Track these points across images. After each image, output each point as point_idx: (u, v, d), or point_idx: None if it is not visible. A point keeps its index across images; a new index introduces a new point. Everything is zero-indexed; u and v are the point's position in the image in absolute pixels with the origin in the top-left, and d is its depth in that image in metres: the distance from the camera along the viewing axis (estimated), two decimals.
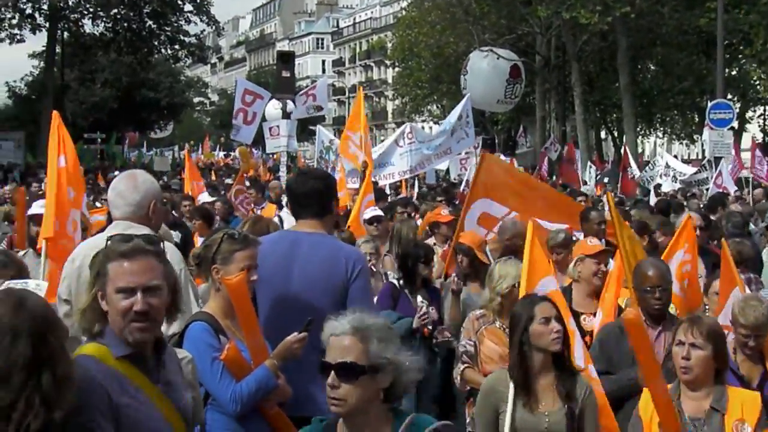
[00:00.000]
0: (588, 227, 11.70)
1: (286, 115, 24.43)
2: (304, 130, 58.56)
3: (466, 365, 8.04)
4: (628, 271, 7.98)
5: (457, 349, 8.39)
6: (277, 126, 24.00)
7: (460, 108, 21.71)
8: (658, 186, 28.01)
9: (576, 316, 8.13)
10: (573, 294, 8.68)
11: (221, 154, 68.78)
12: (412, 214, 15.66)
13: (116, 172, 35.42)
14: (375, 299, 9.35)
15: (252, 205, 19.02)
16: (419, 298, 9.54)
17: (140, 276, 4.11)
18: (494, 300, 8.04)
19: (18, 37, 51.75)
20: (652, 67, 54.32)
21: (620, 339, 7.05)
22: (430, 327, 9.39)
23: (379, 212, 12.43)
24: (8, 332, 3.61)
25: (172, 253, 6.20)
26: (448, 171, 33.76)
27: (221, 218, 16.25)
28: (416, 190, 23.21)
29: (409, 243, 11.04)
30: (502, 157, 33.37)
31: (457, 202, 20.39)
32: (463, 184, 25.36)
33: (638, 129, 54.19)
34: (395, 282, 9.92)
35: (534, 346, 6.16)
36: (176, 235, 10.28)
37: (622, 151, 33.54)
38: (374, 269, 10.36)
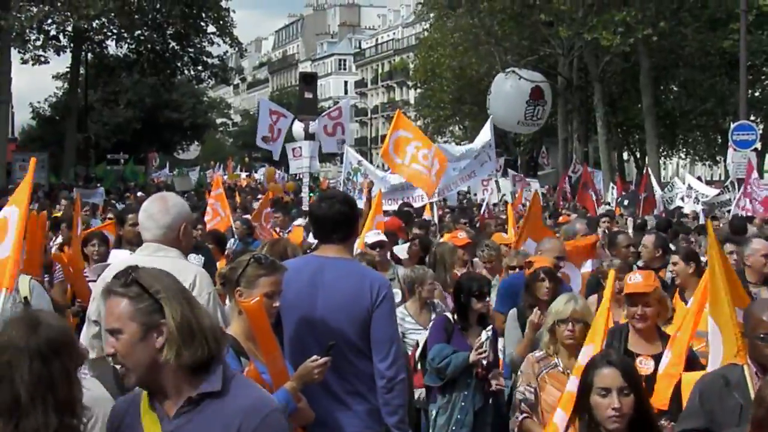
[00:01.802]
0: (617, 253, 11.46)
1: (308, 136, 24.54)
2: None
3: (525, 415, 7.27)
4: (729, 315, 6.64)
5: (515, 396, 7.62)
6: (300, 147, 24.12)
7: (487, 132, 21.59)
8: (679, 207, 27.94)
9: (631, 357, 7.27)
10: (630, 333, 7.74)
11: (244, 174, 68.88)
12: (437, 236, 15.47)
13: (140, 193, 35.73)
14: (427, 332, 9.39)
15: (278, 228, 18.90)
16: (484, 333, 8.82)
17: (107, 317, 3.92)
18: (547, 339, 7.53)
19: (42, 58, 51.98)
20: (675, 88, 54.21)
21: (725, 393, 6.02)
22: (484, 367, 8.80)
23: (383, 237, 11.67)
24: (18, 353, 3.67)
25: (201, 276, 6.26)
26: (468, 191, 33.71)
27: (239, 238, 16.20)
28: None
29: (463, 274, 10.34)
30: (527, 178, 33.44)
31: (477, 225, 20.44)
32: (484, 206, 25.41)
33: (661, 150, 54.05)
34: (449, 315, 9.33)
35: (595, 419, 5.28)
36: (198, 258, 10.29)
37: (644, 172, 33.43)
38: None
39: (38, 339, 3.70)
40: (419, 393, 9.46)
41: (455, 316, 9.20)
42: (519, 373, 7.84)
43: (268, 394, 3.93)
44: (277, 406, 3.94)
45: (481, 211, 24.71)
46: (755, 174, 24.28)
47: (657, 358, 7.40)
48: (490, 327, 8.99)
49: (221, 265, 8.39)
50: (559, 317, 7.39)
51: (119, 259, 7.50)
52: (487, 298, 9.28)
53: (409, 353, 9.58)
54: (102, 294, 4.02)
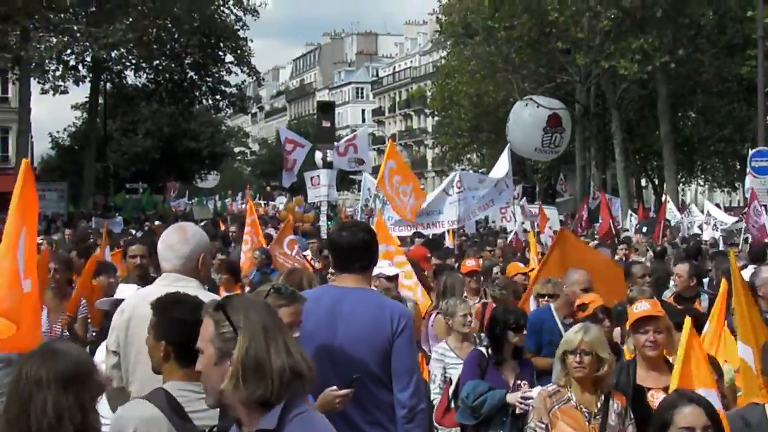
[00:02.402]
0: (633, 283, 11.15)
1: (326, 164, 24.61)
2: (344, 179, 58.71)
3: None
4: (755, 350, 6.59)
5: None
6: (318, 176, 24.20)
7: (505, 161, 21.67)
8: (698, 234, 27.93)
9: (641, 393, 7.25)
10: (637, 367, 7.45)
11: (262, 203, 69.03)
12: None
13: (157, 222, 35.83)
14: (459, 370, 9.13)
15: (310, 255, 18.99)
16: (523, 383, 8.48)
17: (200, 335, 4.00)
18: (558, 368, 7.32)
19: (62, 88, 52.28)
20: (693, 115, 54.18)
21: None
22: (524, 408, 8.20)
23: (396, 270, 11.46)
24: (33, 384, 3.69)
25: None
26: (486, 219, 33.74)
27: (258, 268, 16.15)
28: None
29: (498, 306, 9.98)
30: (544, 206, 33.36)
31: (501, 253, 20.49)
32: (511, 235, 25.43)
33: (679, 177, 53.99)
34: (483, 350, 8.90)
35: None
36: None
37: (663, 199, 33.38)
38: None
39: (54, 370, 3.72)
40: None
41: (489, 351, 8.80)
42: (531, 408, 7.65)
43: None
44: None
45: (508, 239, 24.78)
46: (756, 202, 24.26)
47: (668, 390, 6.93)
48: (521, 365, 8.77)
49: None
50: (568, 347, 7.13)
51: (129, 292, 7.50)
52: (524, 332, 8.79)
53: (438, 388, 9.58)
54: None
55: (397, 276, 11.42)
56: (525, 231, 26.53)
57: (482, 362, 8.71)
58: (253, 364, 3.79)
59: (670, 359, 7.34)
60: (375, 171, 23.12)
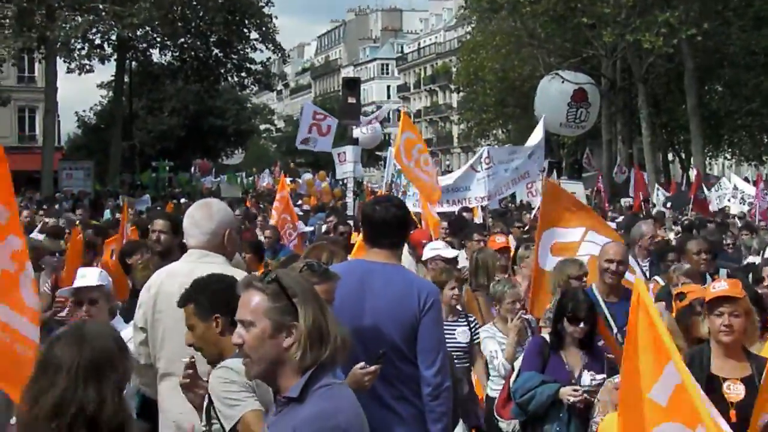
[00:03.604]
0: (687, 260, 10.75)
1: (352, 140, 24.61)
2: (370, 156, 58.67)
3: None
4: None
5: (590, 427, 7.33)
6: (344, 152, 24.17)
7: (539, 132, 21.35)
8: (726, 208, 27.79)
9: (716, 382, 6.51)
10: (712, 355, 6.68)
11: (288, 180, 69.05)
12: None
13: (183, 199, 35.89)
14: (521, 358, 8.55)
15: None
16: (588, 374, 7.79)
17: (241, 308, 4.06)
18: None
19: (87, 67, 52.36)
20: (720, 89, 53.80)
21: None
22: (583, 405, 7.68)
23: (454, 252, 11.37)
24: (62, 367, 3.68)
25: None
26: (513, 195, 33.59)
27: (268, 246, 16.07)
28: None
29: (565, 290, 8.75)
30: (570, 181, 33.20)
31: (527, 228, 20.17)
32: (535, 210, 25.02)
33: (706, 151, 53.66)
34: (546, 337, 8.20)
35: None
36: None
37: (693, 173, 33.22)
38: None
39: (79, 355, 3.71)
40: (513, 424, 8.62)
41: (552, 338, 8.05)
42: (596, 400, 7.33)
43: (341, 409, 3.98)
44: (338, 423, 3.96)
45: (533, 214, 24.22)
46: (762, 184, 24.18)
47: (747, 382, 6.52)
48: (591, 353, 7.99)
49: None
50: None
51: (92, 276, 7.55)
52: (581, 324, 7.86)
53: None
54: (239, 286, 4.17)
55: (456, 258, 11.31)
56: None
57: (544, 350, 8.00)
58: (317, 333, 3.97)
59: (753, 349, 6.82)
60: None
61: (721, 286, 6.70)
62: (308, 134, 24.61)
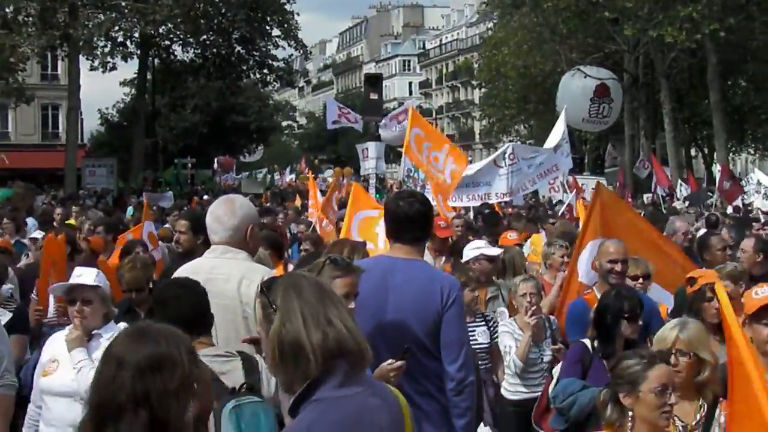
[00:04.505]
0: (711, 257, 10.23)
1: (374, 137, 24.65)
2: (393, 152, 58.59)
3: None
4: None
5: None
6: (367, 148, 24.22)
7: (562, 123, 21.08)
8: (750, 204, 27.68)
9: None
10: None
11: (310, 176, 69.05)
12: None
13: (205, 196, 35.98)
14: (560, 365, 8.15)
15: None
16: None
17: None
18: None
19: (110, 64, 52.53)
20: (743, 83, 53.56)
21: None
22: None
23: (497, 250, 11.00)
24: (116, 365, 3.65)
25: (269, 277, 6.30)
26: (536, 192, 33.47)
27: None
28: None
29: (608, 291, 8.07)
30: (591, 176, 33.11)
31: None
32: (564, 207, 24.61)
33: (729, 146, 53.44)
34: (587, 343, 7.60)
35: None
36: None
37: (719, 167, 33.06)
38: None
39: (139, 353, 3.67)
40: None
41: (595, 343, 7.52)
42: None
43: (313, 427, 3.78)
44: None
45: (560, 211, 23.63)
46: None
47: None
48: None
49: (279, 271, 8.10)
50: (662, 347, 6.04)
51: (90, 275, 7.11)
52: (639, 321, 7.43)
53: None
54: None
55: (499, 256, 11.05)
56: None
57: (585, 357, 7.50)
58: (288, 343, 3.79)
59: None
60: None
61: (765, 292, 6.20)
62: (338, 117, 24.87)
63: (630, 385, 5.19)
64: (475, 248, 10.97)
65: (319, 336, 3.77)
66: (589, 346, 7.50)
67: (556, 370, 8.08)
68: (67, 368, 6.75)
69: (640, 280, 8.98)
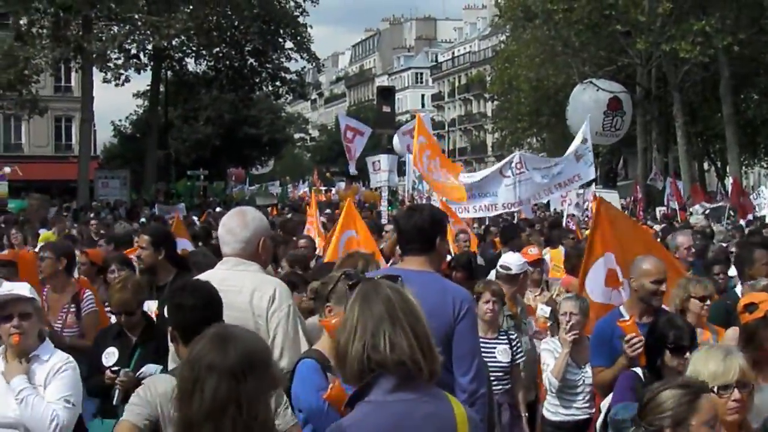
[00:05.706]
0: (756, 271, 9.71)
1: (386, 149, 24.68)
2: (404, 164, 58.71)
3: None
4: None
5: None
6: (378, 161, 24.23)
7: (584, 133, 20.51)
8: (764, 217, 27.59)
9: None
10: None
11: (322, 189, 69.17)
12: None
13: (218, 208, 36.03)
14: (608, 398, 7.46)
15: None
16: None
17: None
18: None
19: (123, 77, 52.65)
20: (756, 97, 53.48)
21: None
22: None
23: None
24: (200, 370, 3.63)
25: (281, 289, 6.30)
26: (548, 204, 33.41)
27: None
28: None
29: (662, 319, 7.21)
30: (604, 190, 33.03)
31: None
32: (566, 218, 24.55)
33: (742, 159, 53.33)
34: (639, 372, 6.82)
35: None
36: None
37: (731, 180, 32.98)
38: None
39: (229, 357, 3.64)
40: None
41: (646, 371, 6.79)
42: None
43: (352, 426, 3.94)
44: None
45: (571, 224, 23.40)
46: None
47: None
48: None
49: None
50: (721, 381, 5.23)
51: (24, 288, 6.48)
52: (686, 354, 6.46)
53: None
54: None
55: (520, 275, 10.64)
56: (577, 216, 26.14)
57: (638, 386, 6.57)
58: (339, 348, 4.03)
59: None
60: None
61: None
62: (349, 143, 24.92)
63: (674, 421, 4.53)
64: (507, 262, 10.70)
65: (359, 349, 3.92)
66: (641, 375, 6.74)
67: (604, 404, 7.16)
68: (5, 397, 6.12)
69: (708, 301, 8.18)
